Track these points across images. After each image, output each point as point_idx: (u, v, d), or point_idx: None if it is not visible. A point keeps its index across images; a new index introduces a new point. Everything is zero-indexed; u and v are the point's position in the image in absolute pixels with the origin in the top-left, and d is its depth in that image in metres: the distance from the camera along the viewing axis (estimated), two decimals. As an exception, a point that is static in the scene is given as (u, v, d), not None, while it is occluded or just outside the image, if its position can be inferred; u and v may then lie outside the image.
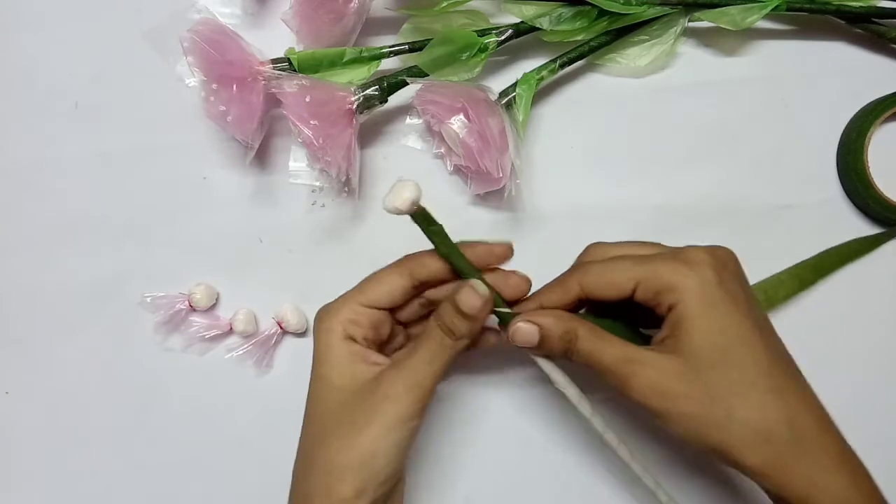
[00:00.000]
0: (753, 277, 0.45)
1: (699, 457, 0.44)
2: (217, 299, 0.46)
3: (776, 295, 0.45)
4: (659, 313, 0.34)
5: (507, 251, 0.36)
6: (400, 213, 0.33)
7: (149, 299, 0.45)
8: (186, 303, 0.45)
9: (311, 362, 0.36)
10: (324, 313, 0.35)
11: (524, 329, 0.34)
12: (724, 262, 0.34)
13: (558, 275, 0.37)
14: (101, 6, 0.48)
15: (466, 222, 0.46)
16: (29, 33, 0.48)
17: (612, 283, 0.34)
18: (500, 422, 0.45)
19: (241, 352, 0.45)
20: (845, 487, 0.31)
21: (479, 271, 0.35)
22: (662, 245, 0.36)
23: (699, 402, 0.31)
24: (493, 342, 0.38)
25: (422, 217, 0.34)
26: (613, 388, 0.33)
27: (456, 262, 0.35)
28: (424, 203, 0.33)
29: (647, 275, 0.33)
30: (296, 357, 0.46)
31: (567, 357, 0.34)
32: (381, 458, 0.32)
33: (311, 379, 0.35)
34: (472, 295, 0.33)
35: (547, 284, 0.37)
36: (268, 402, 0.45)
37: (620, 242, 0.37)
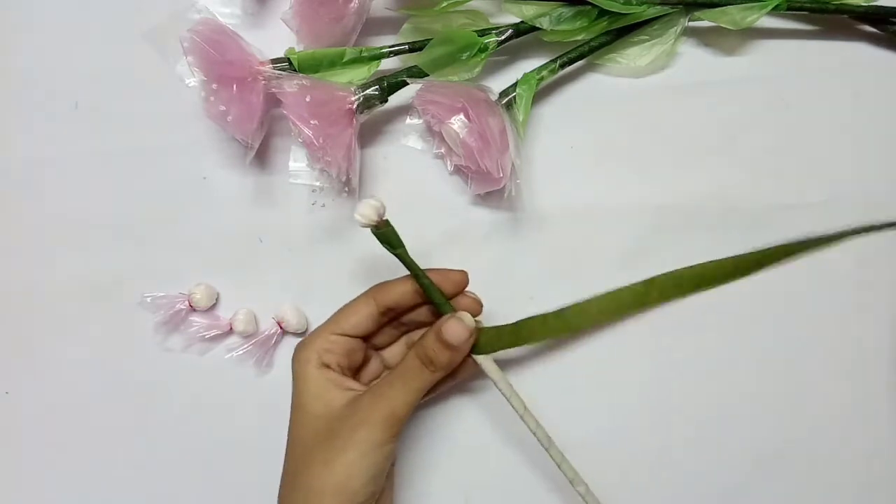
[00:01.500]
0: (753, 277, 0.45)
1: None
2: (217, 299, 0.46)
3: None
4: None
5: (463, 278, 0.38)
6: (362, 225, 0.36)
7: (149, 299, 0.45)
8: (186, 303, 0.45)
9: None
10: (300, 345, 0.38)
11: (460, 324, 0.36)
12: None
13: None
14: (101, 6, 0.48)
15: (466, 222, 0.46)
16: (29, 33, 0.48)
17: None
18: (500, 423, 0.45)
19: (241, 352, 0.45)
20: None
21: (443, 295, 0.38)
22: None
23: None
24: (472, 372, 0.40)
25: (383, 237, 0.36)
26: None
27: (422, 284, 0.37)
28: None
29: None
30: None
31: None
32: (358, 481, 0.34)
33: (291, 407, 0.37)
34: (459, 327, 0.35)
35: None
36: (268, 402, 0.45)
37: None
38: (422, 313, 0.40)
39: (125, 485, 0.46)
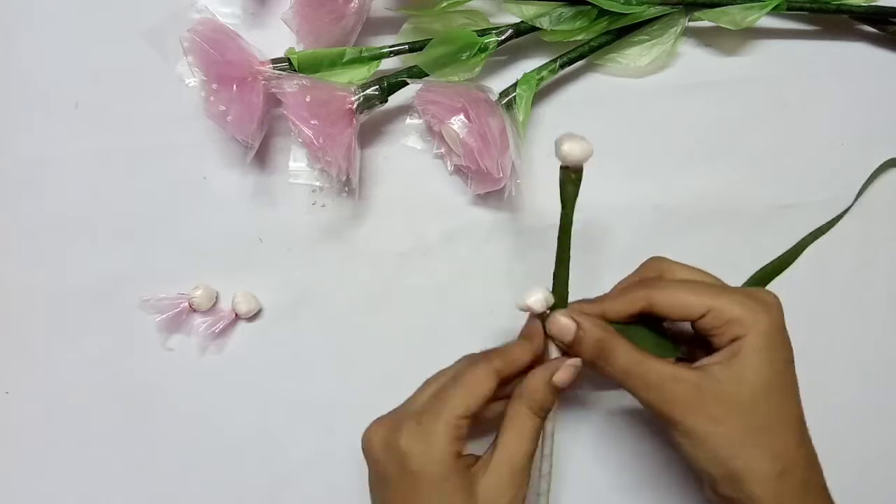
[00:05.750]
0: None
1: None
2: (217, 299, 0.46)
3: None
4: (717, 342, 0.35)
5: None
6: (567, 161, 0.33)
7: (149, 300, 0.45)
8: (187, 304, 0.45)
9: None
10: (426, 440, 0.34)
11: (562, 323, 0.35)
12: (782, 309, 0.35)
13: (621, 282, 0.38)
14: (101, 6, 0.48)
15: (466, 222, 0.46)
16: (29, 33, 0.48)
17: (684, 305, 0.35)
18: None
19: (201, 329, 0.45)
20: None
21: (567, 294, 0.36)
22: (718, 279, 0.37)
23: (733, 427, 0.33)
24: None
25: (571, 184, 0.34)
26: (647, 402, 0.34)
27: (559, 269, 0.36)
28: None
29: (722, 305, 0.34)
30: (294, 354, 0.46)
31: (596, 366, 0.35)
32: None
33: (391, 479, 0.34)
34: (569, 372, 0.35)
35: (611, 293, 0.38)
36: (268, 402, 0.45)
37: (684, 265, 0.37)
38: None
39: (125, 485, 0.46)
